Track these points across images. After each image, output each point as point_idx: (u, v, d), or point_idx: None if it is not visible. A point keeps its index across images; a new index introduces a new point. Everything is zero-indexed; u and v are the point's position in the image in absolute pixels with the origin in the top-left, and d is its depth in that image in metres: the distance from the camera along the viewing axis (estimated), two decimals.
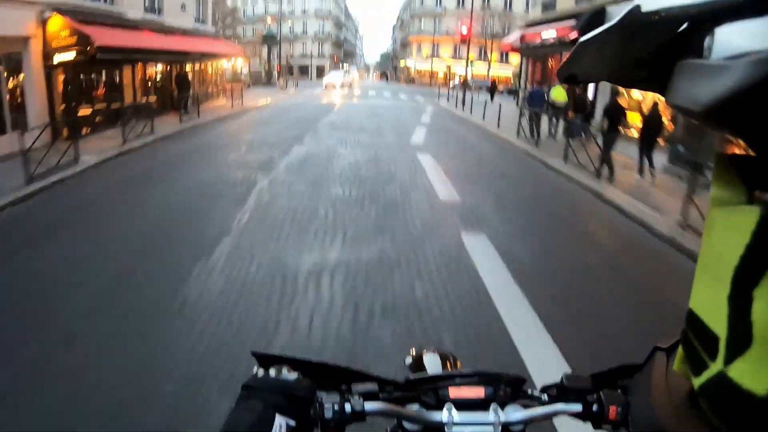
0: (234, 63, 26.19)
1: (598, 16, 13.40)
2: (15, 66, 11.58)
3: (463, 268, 4.32)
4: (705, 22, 0.33)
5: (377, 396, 0.72)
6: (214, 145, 10.90)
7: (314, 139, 11.71)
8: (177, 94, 16.70)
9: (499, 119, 15.41)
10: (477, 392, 0.73)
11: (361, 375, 0.74)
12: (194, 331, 3.24)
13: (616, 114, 10.63)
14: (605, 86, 13.69)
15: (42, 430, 2.39)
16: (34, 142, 8.07)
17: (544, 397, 0.75)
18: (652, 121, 9.26)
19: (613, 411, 0.67)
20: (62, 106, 12.63)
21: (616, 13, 0.41)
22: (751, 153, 0.35)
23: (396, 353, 2.79)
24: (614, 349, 2.95)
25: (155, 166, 8.87)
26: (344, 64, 61.38)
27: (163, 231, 5.15)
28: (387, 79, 62.94)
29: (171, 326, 3.30)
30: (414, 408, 0.72)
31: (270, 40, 38.10)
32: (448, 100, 25.73)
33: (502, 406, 0.72)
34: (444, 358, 1.11)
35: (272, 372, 0.64)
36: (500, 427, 0.70)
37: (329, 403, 0.66)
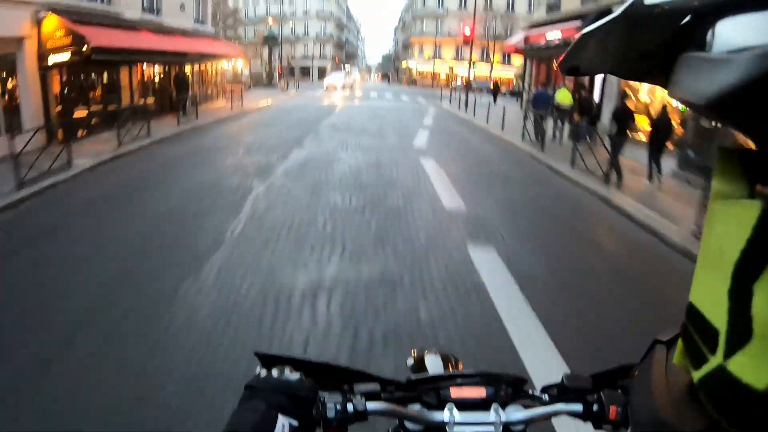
0: (234, 64, 25.93)
1: (603, 16, 13.10)
2: (9, 67, 11.35)
3: (471, 288, 4.01)
4: (708, 14, 0.33)
5: (379, 396, 0.72)
6: (212, 148, 10.62)
7: (314, 142, 11.42)
8: (176, 96, 16.46)
9: (503, 122, 15.11)
10: (478, 392, 0.74)
11: (363, 375, 0.74)
12: (177, 359, 2.94)
13: (624, 117, 10.36)
14: (612, 89, 13.42)
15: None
16: (25, 146, 7.82)
17: (545, 397, 0.75)
18: (661, 125, 8.97)
19: (613, 411, 0.69)
20: (57, 108, 12.41)
21: None
22: (753, 146, 0.35)
23: None
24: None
25: (149, 171, 8.60)
26: (346, 66, 61.18)
27: (152, 243, 4.85)
28: (389, 80, 62.69)
29: (151, 357, 3.00)
30: (416, 408, 0.73)
31: (271, 41, 37.86)
32: (450, 101, 25.45)
33: (503, 406, 0.72)
34: (445, 359, 1.11)
35: (275, 372, 0.64)
36: (501, 427, 0.70)
37: (332, 402, 0.66)
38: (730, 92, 0.27)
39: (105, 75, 14.30)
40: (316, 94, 30.83)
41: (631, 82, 13.26)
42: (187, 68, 18.45)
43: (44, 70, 11.99)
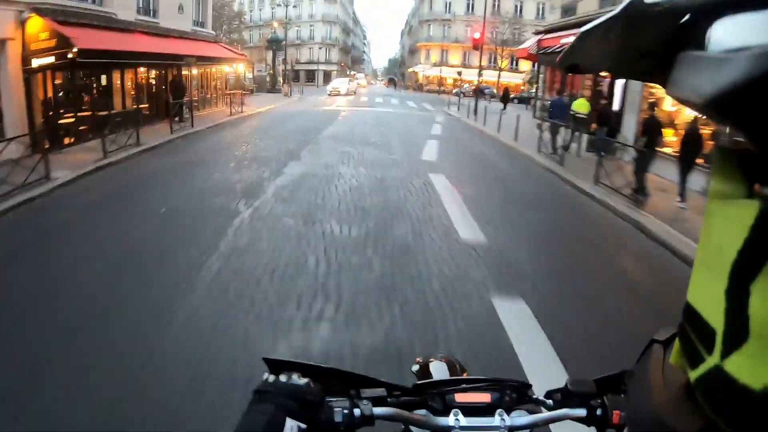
0: (236, 68, 25.18)
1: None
2: None
3: (503, 363, 3.06)
4: (707, 13, 0.33)
5: (385, 401, 0.73)
6: (200, 161, 9.73)
7: (313, 154, 10.48)
8: (172, 101, 15.70)
9: (516, 131, 14.17)
10: (483, 397, 0.74)
11: (370, 380, 0.74)
12: None
13: (654, 130, 9.46)
14: (634, 97, 12.49)
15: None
16: None
17: (549, 402, 0.75)
18: (690, 139, 8.08)
19: (616, 416, 0.69)
20: (42, 114, 11.68)
21: None
22: (752, 147, 0.34)
23: None
24: None
25: (128, 187, 7.75)
26: (351, 71, 60.53)
27: (104, 292, 3.91)
28: (395, 85, 61.88)
29: None
30: (421, 413, 0.73)
31: (275, 44, 37.15)
32: (458, 108, 24.52)
33: (508, 411, 0.73)
34: (450, 366, 1.11)
35: (283, 377, 0.65)
36: None
37: (339, 407, 0.67)
38: (729, 91, 0.27)
39: (95, 79, 13.56)
40: (320, 99, 30.01)
41: (655, 91, 12.42)
42: (185, 72, 17.70)
43: (28, 74, 11.32)
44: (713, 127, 9.01)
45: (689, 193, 7.71)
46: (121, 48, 12.75)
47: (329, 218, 5.74)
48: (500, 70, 43.32)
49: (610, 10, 0.41)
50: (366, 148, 11.57)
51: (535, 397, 0.77)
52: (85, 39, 11.30)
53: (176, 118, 14.92)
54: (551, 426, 0.73)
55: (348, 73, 60.88)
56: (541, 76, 19.86)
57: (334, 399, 0.68)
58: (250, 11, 58.51)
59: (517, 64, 47.76)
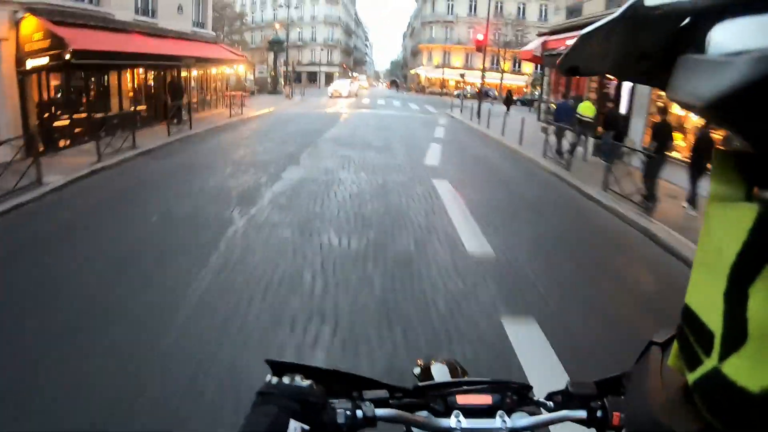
0: (237, 69, 24.94)
1: None
2: None
3: None
4: (708, 17, 0.33)
5: (387, 403, 0.73)
6: (197, 165, 9.45)
7: (312, 158, 10.18)
8: (170, 103, 15.45)
9: (521, 135, 13.87)
10: (484, 399, 0.75)
11: (372, 382, 0.75)
12: None
13: (664, 134, 9.17)
14: (642, 100, 12.19)
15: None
16: None
17: (550, 404, 0.76)
18: (701, 144, 7.82)
19: (616, 417, 0.69)
20: (37, 116, 11.46)
21: None
22: (751, 150, 0.35)
23: None
24: None
25: (122, 193, 7.48)
26: (353, 73, 60.30)
27: (82, 314, 3.64)
28: (397, 87, 61.63)
29: None
30: (423, 414, 0.74)
31: (276, 46, 36.93)
32: (461, 111, 24.23)
33: (509, 413, 0.73)
34: (451, 368, 1.12)
35: (285, 379, 0.65)
36: None
37: (341, 408, 0.67)
38: (728, 95, 0.27)
39: (92, 80, 13.31)
40: (321, 101, 29.76)
41: (664, 94, 12.13)
42: (183, 73, 17.45)
43: (23, 75, 11.08)
44: (724, 132, 8.74)
45: (700, 200, 7.42)
46: (117, 49, 12.52)
47: (327, 228, 5.44)
48: (503, 72, 43.03)
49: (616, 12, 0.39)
50: (367, 151, 11.27)
51: (535, 398, 0.77)
52: (81, 40, 11.08)
53: (174, 121, 14.68)
54: (552, 427, 0.74)
55: (350, 74, 60.62)
56: (545, 78, 19.56)
57: (337, 401, 0.68)
58: (252, 13, 58.39)
59: (519, 66, 47.49)
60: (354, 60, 76.29)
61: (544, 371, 3.01)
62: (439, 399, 0.75)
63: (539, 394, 0.77)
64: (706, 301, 0.35)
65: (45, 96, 11.81)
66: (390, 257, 4.63)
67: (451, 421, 0.71)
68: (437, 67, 53.45)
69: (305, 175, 8.32)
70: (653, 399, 0.46)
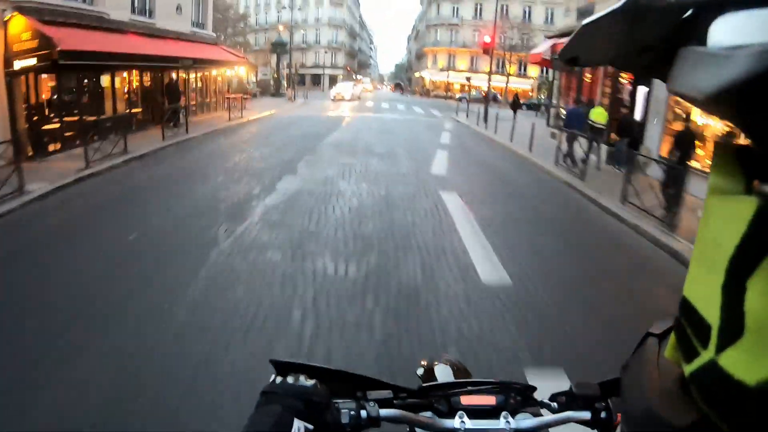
0: (240, 72, 24.45)
1: None
2: None
3: None
4: (710, 9, 0.33)
5: (392, 403, 0.74)
6: (188, 172, 8.88)
7: (311, 166, 9.58)
8: (167, 105, 14.97)
9: (531, 141, 13.27)
10: (488, 400, 0.75)
11: (376, 383, 0.75)
12: None
13: (687, 143, 8.58)
14: (659, 106, 11.56)
15: None
16: None
17: (554, 404, 0.76)
18: None
19: (620, 418, 0.67)
20: (26, 119, 11.01)
21: None
22: (752, 143, 0.35)
23: None
24: None
25: (106, 203, 6.94)
26: (357, 75, 59.86)
27: (33, 365, 3.07)
28: (402, 90, 61.11)
29: None
30: (427, 415, 0.74)
31: (279, 48, 36.48)
32: (467, 115, 23.65)
33: (513, 413, 0.73)
34: (454, 368, 1.11)
35: (290, 379, 0.65)
36: None
37: (346, 409, 0.67)
38: (729, 88, 0.28)
39: (84, 82, 12.84)
40: (324, 104, 29.23)
41: (682, 100, 11.59)
42: (182, 75, 16.98)
43: (11, 77, 10.64)
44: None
45: None
46: (111, 50, 12.05)
47: (322, 251, 4.80)
48: (508, 75, 42.40)
49: None
50: (370, 159, 10.67)
51: (539, 399, 0.77)
52: (70, 40, 10.61)
53: (171, 124, 14.19)
54: (555, 429, 0.73)
55: (354, 77, 60.21)
56: (555, 82, 18.95)
57: (341, 401, 0.68)
58: (256, 14, 58.09)
59: (525, 70, 46.88)
60: (358, 63, 75.89)
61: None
62: (443, 400, 0.75)
63: (543, 395, 0.76)
64: (704, 293, 0.35)
65: (35, 98, 11.37)
66: (393, 289, 3.99)
67: (455, 422, 0.71)
68: (442, 70, 52.92)
69: (301, 185, 7.72)
70: (649, 390, 0.45)
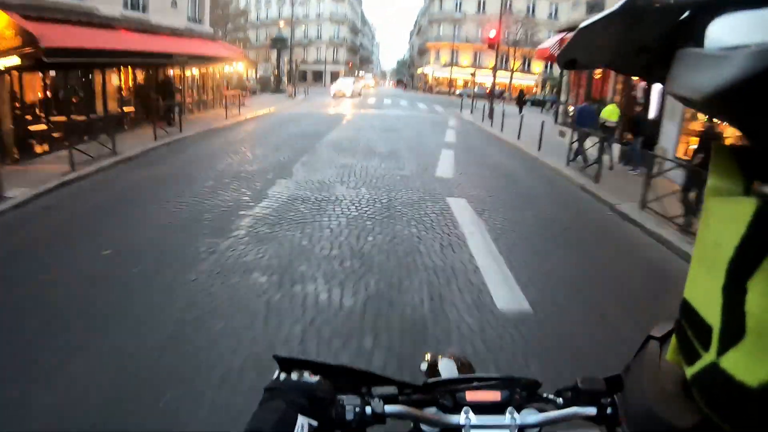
0: (239, 68, 23.87)
1: None
2: None
3: None
4: (706, 11, 0.33)
5: (396, 399, 0.73)
6: (176, 176, 8.34)
7: (307, 168, 9.01)
8: (162, 103, 14.43)
9: (540, 140, 12.68)
10: (493, 395, 0.74)
11: (381, 378, 0.74)
12: None
13: (709, 145, 7.93)
14: (674, 105, 10.92)
15: None
16: None
17: (559, 400, 0.75)
18: None
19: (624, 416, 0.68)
20: (12, 120, 10.51)
21: None
22: (750, 144, 0.34)
23: None
24: None
25: (84, 213, 6.41)
26: (359, 71, 59.14)
27: None
28: (404, 87, 60.35)
29: None
30: (432, 411, 0.73)
31: (279, 43, 35.87)
32: (471, 111, 23.03)
33: (518, 409, 0.72)
34: (459, 363, 1.09)
35: (294, 375, 0.65)
36: (516, 430, 0.70)
37: (350, 405, 0.67)
38: (726, 88, 0.28)
39: (73, 80, 12.31)
40: (325, 100, 28.62)
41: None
42: (177, 72, 16.42)
43: None
44: None
45: None
46: (100, 46, 11.49)
47: (315, 273, 4.21)
48: (512, 71, 41.67)
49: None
50: (370, 160, 10.10)
51: (545, 395, 0.76)
52: (55, 36, 10.06)
53: (165, 123, 13.66)
54: (561, 424, 0.71)
55: (356, 73, 59.51)
56: (564, 78, 18.30)
57: (345, 396, 0.67)
58: (257, 10, 57.40)
59: (529, 66, 46.07)
60: (360, 59, 75.14)
61: None
62: (448, 395, 0.74)
63: (548, 390, 0.76)
64: (705, 295, 0.35)
65: (21, 98, 10.86)
66: (396, 324, 3.41)
67: (461, 418, 0.70)
68: (445, 65, 52.18)
69: (296, 191, 7.14)
70: (651, 392, 0.44)
